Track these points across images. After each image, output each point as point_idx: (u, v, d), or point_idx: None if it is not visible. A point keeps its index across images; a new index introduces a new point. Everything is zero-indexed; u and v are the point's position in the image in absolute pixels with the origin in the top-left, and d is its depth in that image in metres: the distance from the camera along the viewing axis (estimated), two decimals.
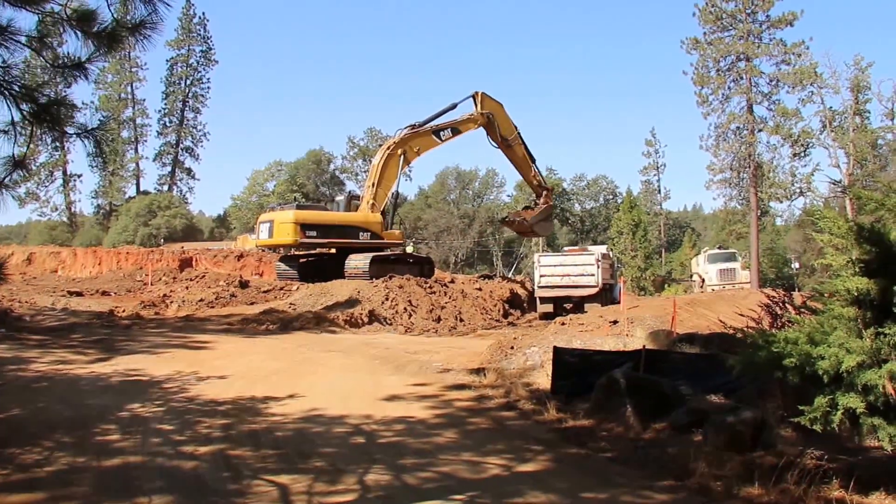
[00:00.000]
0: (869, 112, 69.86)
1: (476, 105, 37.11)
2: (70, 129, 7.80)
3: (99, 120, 8.01)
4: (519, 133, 38.88)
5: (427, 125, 35.99)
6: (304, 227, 32.33)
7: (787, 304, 11.73)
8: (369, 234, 34.37)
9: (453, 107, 36.50)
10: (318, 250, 35.49)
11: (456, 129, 36.78)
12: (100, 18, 7.47)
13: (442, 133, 36.34)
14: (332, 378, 14.50)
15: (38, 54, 7.52)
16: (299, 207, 34.74)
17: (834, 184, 65.12)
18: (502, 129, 37.89)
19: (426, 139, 36.10)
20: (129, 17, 7.48)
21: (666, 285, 79.50)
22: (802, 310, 8.78)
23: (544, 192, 41.66)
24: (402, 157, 35.06)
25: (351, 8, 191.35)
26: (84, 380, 14.02)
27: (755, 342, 7.61)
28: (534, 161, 40.48)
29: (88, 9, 7.66)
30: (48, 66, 7.55)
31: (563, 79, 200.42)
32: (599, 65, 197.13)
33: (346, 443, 9.55)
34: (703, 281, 51.91)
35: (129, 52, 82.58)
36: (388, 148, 35.40)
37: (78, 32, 7.42)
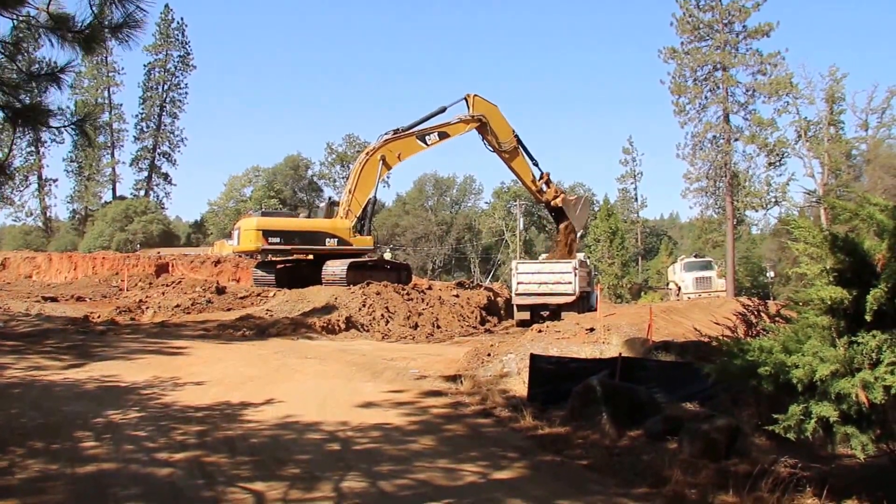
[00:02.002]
0: (843, 123, 70.59)
1: (469, 107, 36.14)
2: (55, 123, 7.75)
3: (85, 111, 8.00)
4: (517, 136, 37.56)
5: (411, 130, 35.23)
6: (267, 233, 32.24)
7: (761, 313, 11.79)
8: (336, 240, 33.91)
9: (443, 110, 35.62)
10: (294, 256, 35.40)
11: (444, 133, 35.85)
12: (78, 21, 7.44)
13: (428, 137, 35.56)
14: (308, 384, 14.47)
15: (13, 61, 7.47)
16: (264, 214, 34.70)
17: (808, 194, 65.69)
18: (497, 132, 36.65)
19: (409, 144, 35.35)
20: (108, 20, 7.45)
21: (642, 293, 79.91)
22: (777, 318, 8.82)
23: (553, 191, 39.50)
24: (382, 162, 34.49)
25: (331, 14, 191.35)
26: (58, 386, 13.92)
27: (730, 350, 7.65)
28: (537, 165, 38.76)
29: (65, 12, 7.64)
30: (23, 73, 7.50)
31: (540, 86, 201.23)
32: (577, 73, 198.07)
33: (321, 449, 9.52)
34: (680, 289, 52.14)
35: (106, 57, 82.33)
36: (368, 153, 35.00)
37: (53, 39, 7.38)
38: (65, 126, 7.79)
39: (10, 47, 7.40)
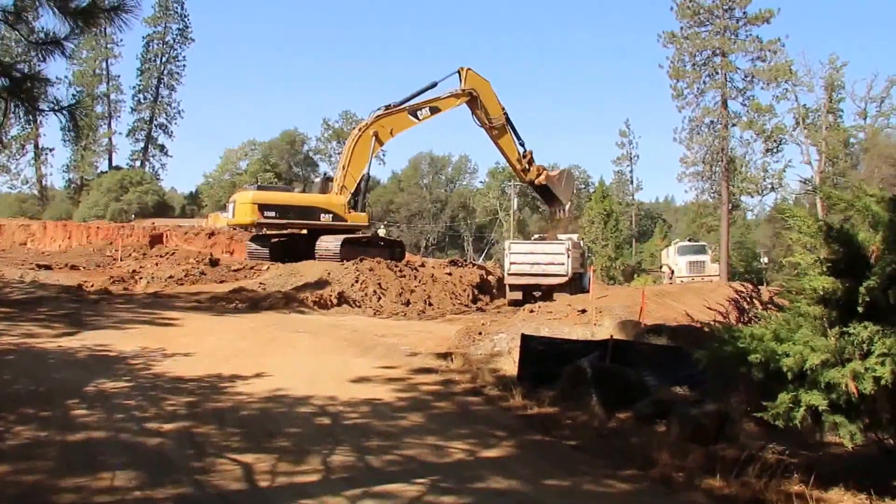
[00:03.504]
0: (842, 111, 70.87)
1: (461, 80, 36.03)
2: (45, 106, 7.72)
3: (74, 96, 7.95)
4: (506, 114, 37.58)
5: (403, 105, 35.15)
6: (263, 207, 32.31)
7: (754, 300, 11.83)
8: (331, 215, 33.95)
9: (433, 85, 35.54)
10: (289, 231, 35.38)
11: (435, 108, 35.86)
12: None
13: (419, 112, 35.49)
14: (299, 358, 14.48)
15: (14, 28, 7.44)
16: (259, 188, 34.64)
17: (804, 182, 65.81)
18: (488, 108, 36.61)
19: (401, 119, 35.29)
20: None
21: (636, 275, 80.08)
22: (769, 306, 8.85)
23: (534, 171, 39.73)
24: (375, 138, 34.45)
25: None
26: (50, 354, 13.93)
27: (721, 337, 7.67)
28: (523, 145, 38.88)
29: None
30: (24, 41, 7.47)
31: (538, 68, 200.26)
32: (575, 55, 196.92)
33: (311, 423, 9.55)
34: (673, 272, 52.30)
35: (105, 28, 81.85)
36: (361, 129, 34.96)
37: (55, 9, 7.35)
38: (55, 110, 7.74)
39: (12, 17, 7.36)
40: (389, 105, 35.04)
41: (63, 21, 7.55)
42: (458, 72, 36.07)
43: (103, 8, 7.43)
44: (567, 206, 42.75)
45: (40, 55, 8.00)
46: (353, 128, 38.24)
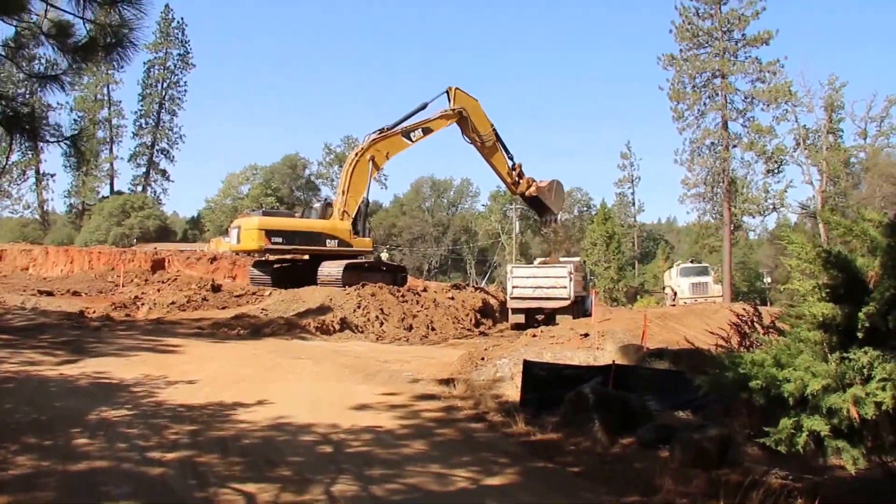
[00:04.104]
0: (842, 131, 71.19)
1: (450, 100, 36.50)
2: (48, 137, 7.78)
3: (75, 121, 8.00)
4: (495, 130, 38.13)
5: (396, 128, 35.48)
6: (270, 233, 32.31)
7: (755, 324, 11.83)
8: (337, 241, 34.15)
9: (424, 106, 36.00)
10: (291, 256, 35.40)
11: (427, 129, 36.22)
12: (76, 32, 7.47)
13: (412, 134, 35.85)
14: (301, 385, 14.48)
15: (14, 63, 7.50)
16: (265, 213, 34.61)
17: (803, 209, 65.98)
18: (477, 126, 37.11)
19: (395, 141, 35.56)
20: (103, 37, 7.47)
21: (638, 297, 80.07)
22: (770, 330, 8.85)
23: (524, 183, 40.37)
24: (372, 162, 34.75)
25: (331, 14, 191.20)
26: (52, 382, 13.91)
27: (722, 363, 7.68)
28: (512, 158, 39.49)
29: (65, 20, 7.66)
30: (25, 75, 7.54)
31: (539, 90, 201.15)
32: (576, 77, 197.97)
33: (313, 452, 9.53)
34: (676, 294, 52.31)
35: (103, 63, 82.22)
36: (357, 154, 35.17)
37: (54, 44, 7.41)
38: (58, 141, 7.79)
39: (12, 50, 7.42)
40: (383, 128, 35.28)
41: (62, 56, 7.62)
42: (447, 92, 36.51)
43: (101, 45, 7.48)
44: (559, 216, 44.02)
45: (41, 88, 8.06)
46: (351, 152, 38.44)
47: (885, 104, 69.40)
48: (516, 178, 39.83)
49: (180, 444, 9.55)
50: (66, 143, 7.86)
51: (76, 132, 7.97)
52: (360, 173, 34.79)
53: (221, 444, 9.64)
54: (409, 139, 35.84)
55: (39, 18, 7.59)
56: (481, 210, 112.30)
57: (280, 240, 32.74)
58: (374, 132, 35.28)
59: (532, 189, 40.34)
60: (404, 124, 35.77)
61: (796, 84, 61.89)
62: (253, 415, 11.37)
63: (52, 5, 7.33)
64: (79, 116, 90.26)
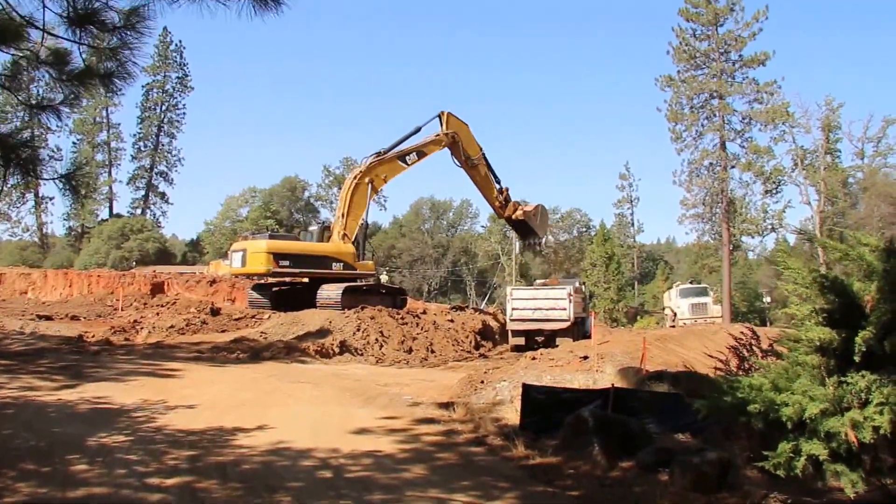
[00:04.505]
0: (840, 151, 71.61)
1: (441, 125, 37.00)
2: (44, 175, 7.81)
3: (72, 157, 8.02)
4: (484, 154, 38.86)
5: (392, 151, 35.85)
6: (277, 256, 32.31)
7: (753, 347, 11.85)
8: (342, 264, 34.24)
9: (417, 130, 36.43)
10: (290, 279, 35.37)
11: (421, 152, 36.72)
12: (73, 60, 7.52)
13: (408, 157, 36.27)
14: (301, 410, 14.47)
15: (10, 91, 7.54)
16: (272, 237, 34.56)
17: (800, 234, 66.12)
18: (467, 149, 37.80)
19: (392, 165, 35.98)
20: (100, 68, 7.51)
21: (638, 317, 79.99)
22: (768, 354, 8.87)
23: (511, 207, 41.44)
24: (370, 185, 35.06)
25: (330, 37, 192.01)
26: (51, 407, 13.90)
27: (720, 387, 7.70)
28: (499, 182, 40.27)
29: (62, 48, 7.71)
30: (22, 105, 7.58)
31: (538, 112, 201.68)
32: (575, 98, 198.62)
33: (313, 477, 9.52)
34: (675, 315, 52.32)
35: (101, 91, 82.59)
36: (356, 177, 35.33)
37: (51, 72, 7.45)
38: (53, 179, 7.82)
39: (8, 79, 7.46)
40: (380, 151, 35.58)
41: (59, 84, 7.66)
42: (440, 116, 36.99)
43: (98, 73, 7.53)
44: (543, 240, 45.32)
45: (39, 114, 8.10)
46: (349, 175, 38.77)
47: (881, 124, 69.77)
48: (503, 202, 40.71)
49: (180, 469, 9.55)
50: (61, 182, 7.87)
51: (72, 169, 7.94)
52: (359, 196, 35.03)
53: (221, 469, 9.63)
54: (405, 163, 36.26)
55: (36, 46, 7.63)
56: (481, 231, 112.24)
57: (287, 263, 32.76)
58: (371, 155, 35.58)
59: (519, 213, 41.46)
60: (399, 147, 36.12)
61: (793, 105, 62.18)
62: (253, 439, 11.36)
63: (50, 33, 7.38)
64: (77, 139, 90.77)
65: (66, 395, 15.15)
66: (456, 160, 37.96)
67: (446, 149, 37.43)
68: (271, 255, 32.10)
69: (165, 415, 13.34)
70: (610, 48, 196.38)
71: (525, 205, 42.51)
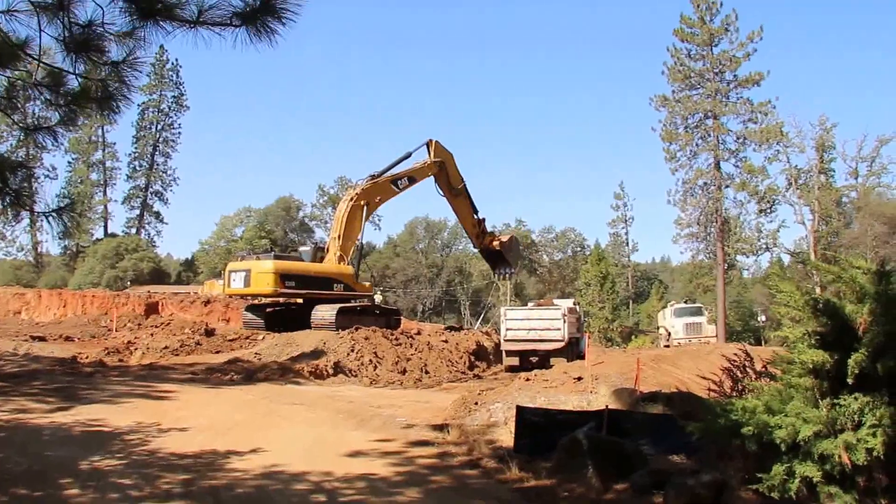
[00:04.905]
0: (833, 171, 71.82)
1: (430, 153, 38.11)
2: (36, 208, 7.83)
3: (66, 198, 8.05)
4: (465, 184, 40.10)
5: (385, 175, 36.63)
6: (283, 277, 32.34)
7: (747, 369, 11.85)
8: (343, 285, 34.62)
9: (408, 156, 37.47)
10: (284, 300, 35.34)
11: (412, 178, 37.72)
12: (69, 82, 7.55)
13: (399, 182, 37.23)
14: (295, 432, 14.42)
15: (7, 115, 7.57)
16: (277, 257, 34.50)
17: (793, 256, 66.33)
18: (451, 178, 39.08)
19: (385, 189, 36.81)
20: (95, 91, 7.55)
21: (633, 336, 79.93)
22: (762, 375, 8.89)
23: (488, 237, 42.99)
24: (365, 207, 35.69)
25: (322, 57, 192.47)
26: (44, 430, 13.84)
27: (714, 409, 7.71)
28: (477, 213, 41.65)
29: (57, 68, 7.74)
30: (18, 126, 7.61)
31: (532, 131, 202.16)
32: (569, 118, 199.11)
33: (306, 501, 9.49)
34: (670, 334, 52.28)
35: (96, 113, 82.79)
36: (352, 199, 35.75)
37: (47, 94, 7.49)
38: (45, 213, 7.85)
39: (4, 101, 7.50)
40: (374, 174, 36.39)
41: (55, 108, 7.70)
42: (427, 144, 38.22)
43: (93, 97, 7.57)
44: (515, 270, 47.21)
45: (33, 139, 8.13)
46: (344, 196, 39.34)
47: (875, 144, 70.09)
48: (480, 232, 42.34)
49: (173, 494, 9.52)
50: (53, 216, 7.89)
51: (64, 204, 7.96)
52: (356, 218, 35.52)
53: (214, 493, 9.60)
54: (397, 187, 37.24)
55: (32, 67, 7.67)
56: (474, 251, 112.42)
57: (293, 283, 32.83)
58: (365, 178, 36.42)
59: (495, 243, 43.29)
60: (392, 171, 36.99)
61: (787, 125, 62.48)
62: (246, 463, 11.32)
63: (42, 62, 7.40)
64: (73, 158, 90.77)
65: (59, 418, 15.09)
66: (440, 188, 39.18)
67: (431, 177, 38.41)
68: (278, 276, 32.12)
69: (159, 437, 13.30)
70: (605, 68, 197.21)
71: (499, 235, 45.36)
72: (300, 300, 34.54)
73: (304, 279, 33.38)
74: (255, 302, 35.98)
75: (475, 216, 42.00)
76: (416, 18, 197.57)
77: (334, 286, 34.27)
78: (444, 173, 38.82)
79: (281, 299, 35.16)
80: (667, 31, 62.98)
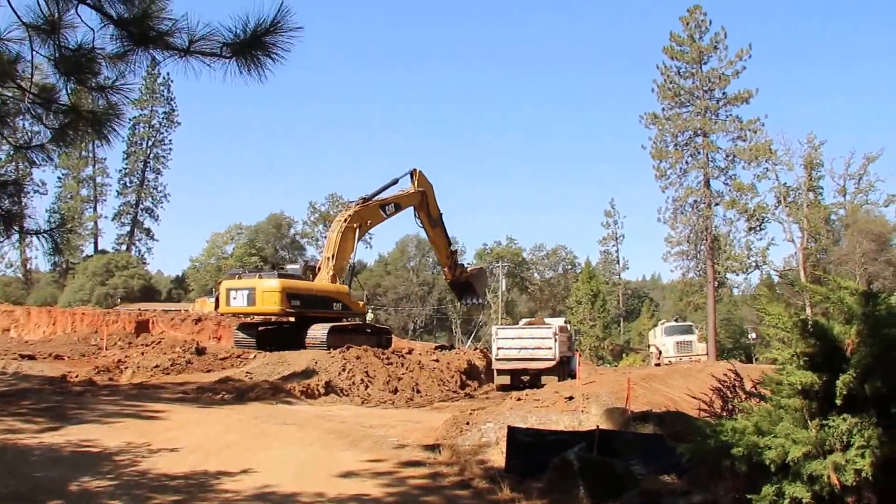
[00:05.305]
0: (822, 188, 72.16)
1: (413, 182, 39.27)
2: (26, 228, 7.85)
3: (56, 213, 8.04)
4: (442, 215, 41.41)
5: (374, 199, 37.51)
6: (290, 296, 32.36)
7: (737, 389, 11.88)
8: (341, 304, 34.99)
9: (395, 182, 38.62)
10: (276, 319, 35.28)
11: (398, 205, 38.81)
12: (60, 98, 7.59)
13: (387, 208, 38.20)
14: (286, 452, 14.38)
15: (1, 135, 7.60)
16: (280, 276, 34.38)
17: (781, 277, 66.59)
18: (431, 209, 40.35)
19: (375, 213, 37.67)
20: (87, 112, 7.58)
21: (624, 354, 80.00)
22: (752, 396, 8.91)
23: (459, 269, 44.58)
24: (358, 229, 36.30)
25: (314, 74, 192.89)
26: (33, 450, 13.79)
27: (703, 430, 7.73)
28: (450, 244, 43.86)
29: (49, 83, 7.79)
30: (7, 142, 7.63)
31: (523, 148, 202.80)
32: (560, 135, 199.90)
33: None
34: (661, 353, 52.38)
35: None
36: (345, 221, 36.11)
37: (40, 111, 7.53)
38: (37, 233, 7.88)
39: None
40: (364, 197, 37.30)
41: (45, 123, 7.73)
42: (411, 173, 39.34)
43: (86, 117, 7.60)
44: (482, 300, 49.16)
45: (27, 160, 8.18)
46: (336, 215, 40.07)
47: (863, 161, 70.45)
48: (453, 264, 43.75)
49: None
50: (44, 237, 7.90)
51: (54, 224, 7.99)
52: (348, 239, 36.00)
53: None
54: (385, 212, 38.26)
55: (25, 84, 7.70)
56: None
57: (298, 303, 32.90)
58: (357, 201, 37.41)
59: (467, 274, 44.69)
60: (380, 196, 37.92)
61: (776, 142, 62.82)
62: (238, 484, 11.31)
63: (30, 91, 7.44)
64: (63, 174, 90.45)
65: (48, 438, 15.02)
66: (419, 218, 40.34)
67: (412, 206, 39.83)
68: (284, 294, 32.11)
69: (149, 458, 13.26)
70: (596, 85, 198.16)
71: (469, 267, 47.78)
72: (292, 318, 34.46)
73: (307, 298, 33.46)
74: (248, 320, 35.79)
75: (449, 247, 43.82)
76: (408, 35, 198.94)
77: (333, 305, 34.52)
78: (426, 203, 39.82)
79: (273, 318, 35.09)
80: (657, 49, 63.39)
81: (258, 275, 35.11)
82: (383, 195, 38.06)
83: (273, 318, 35.37)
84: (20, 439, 14.86)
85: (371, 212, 37.31)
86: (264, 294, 32.35)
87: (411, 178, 39.50)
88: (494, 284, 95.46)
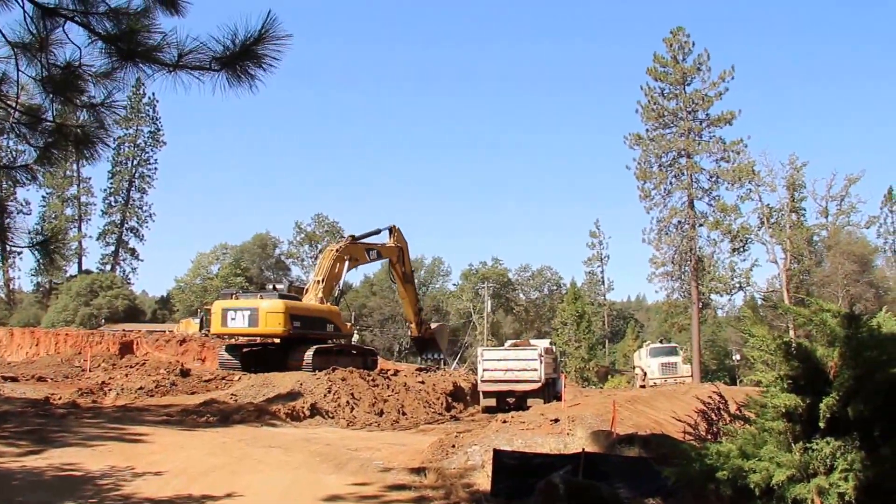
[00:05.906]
0: (804, 209, 72.74)
1: (391, 237, 42.00)
2: (18, 241, 7.84)
3: (40, 235, 8.02)
4: (413, 272, 44.85)
5: (361, 241, 40.00)
6: (294, 317, 32.41)
7: (721, 411, 11.93)
8: (333, 325, 35.44)
9: (378, 231, 41.43)
10: (261, 340, 35.18)
11: (379, 254, 41.27)
12: (46, 117, 7.60)
13: (370, 252, 40.36)
14: (271, 476, 14.31)
15: None
16: (282, 296, 34.26)
17: (765, 300, 66.93)
18: (406, 265, 43.25)
19: (361, 253, 39.58)
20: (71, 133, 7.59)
21: (609, 376, 79.93)
22: (736, 419, 8.95)
23: (425, 325, 47.35)
24: (347, 261, 37.84)
25: (300, 93, 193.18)
26: (15, 474, 13.66)
27: (688, 454, 7.76)
28: (418, 301, 47.07)
29: (35, 104, 7.80)
30: None
31: (508, 169, 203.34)
32: (545, 156, 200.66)
33: None
34: (646, 374, 52.38)
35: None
36: (336, 251, 37.45)
37: (25, 130, 7.53)
38: (29, 246, 7.87)
39: None
40: (353, 236, 40.04)
41: (31, 143, 7.73)
42: (390, 230, 42.08)
43: (72, 136, 7.62)
44: (444, 356, 50.78)
45: (13, 180, 8.15)
46: (328, 232, 41.90)
47: (844, 183, 71.14)
48: (420, 320, 46.34)
49: None
50: (36, 250, 7.89)
51: (46, 237, 7.97)
52: (338, 269, 37.45)
53: None
54: (369, 256, 40.45)
55: (10, 102, 7.71)
56: (452, 289, 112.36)
57: (299, 324, 32.99)
58: (346, 238, 40.08)
59: (430, 331, 47.03)
60: (366, 240, 40.60)
61: (759, 163, 63.25)
62: None
63: (15, 109, 7.45)
64: (47, 193, 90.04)
65: (30, 462, 14.89)
66: (394, 273, 43.61)
67: (381, 262, 44.14)
68: (287, 315, 32.08)
69: (133, 482, 13.16)
70: (580, 106, 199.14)
71: (433, 325, 50.37)
72: (277, 340, 34.34)
73: (306, 319, 33.67)
74: (234, 342, 35.65)
75: (418, 303, 47.15)
76: (395, 56, 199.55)
77: (327, 326, 35.01)
78: (402, 258, 42.39)
79: (258, 339, 35.00)
80: (641, 70, 63.85)
81: (259, 295, 35.09)
82: (368, 240, 40.53)
83: (246, 339, 35.48)
84: (1, 463, 14.72)
85: (358, 251, 39.08)
86: (268, 315, 32.30)
87: (390, 233, 42.19)
88: (480, 305, 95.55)
